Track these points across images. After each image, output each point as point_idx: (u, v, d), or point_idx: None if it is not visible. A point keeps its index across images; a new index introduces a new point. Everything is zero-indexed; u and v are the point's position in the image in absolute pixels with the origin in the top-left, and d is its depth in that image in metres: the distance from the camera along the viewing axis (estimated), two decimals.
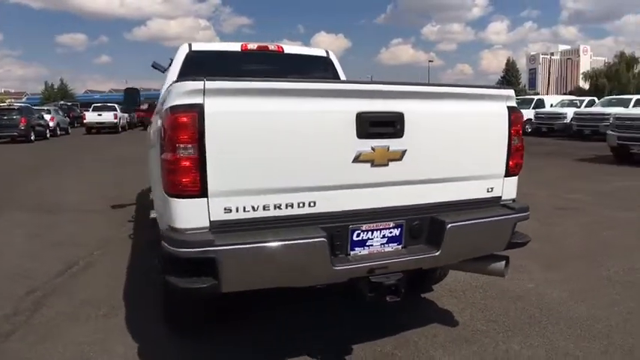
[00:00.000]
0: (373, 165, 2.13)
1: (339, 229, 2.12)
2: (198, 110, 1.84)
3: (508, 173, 2.52)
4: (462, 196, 2.42)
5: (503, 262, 2.58)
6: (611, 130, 10.75)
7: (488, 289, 3.45)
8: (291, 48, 4.24)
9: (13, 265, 4.06)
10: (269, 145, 1.96)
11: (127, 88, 5.46)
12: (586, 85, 49.72)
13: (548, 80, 69.38)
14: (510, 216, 2.43)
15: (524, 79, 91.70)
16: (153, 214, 3.90)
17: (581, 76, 60.79)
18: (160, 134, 2.04)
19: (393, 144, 2.15)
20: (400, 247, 2.29)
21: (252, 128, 1.93)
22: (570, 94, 39.29)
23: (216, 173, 1.89)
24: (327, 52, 4.37)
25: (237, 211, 1.95)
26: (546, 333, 2.79)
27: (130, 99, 5.32)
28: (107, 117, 26.09)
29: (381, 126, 2.12)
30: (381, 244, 2.25)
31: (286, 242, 1.93)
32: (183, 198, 1.89)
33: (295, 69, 4.31)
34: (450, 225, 2.23)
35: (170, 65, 4.21)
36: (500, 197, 2.54)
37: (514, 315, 3.04)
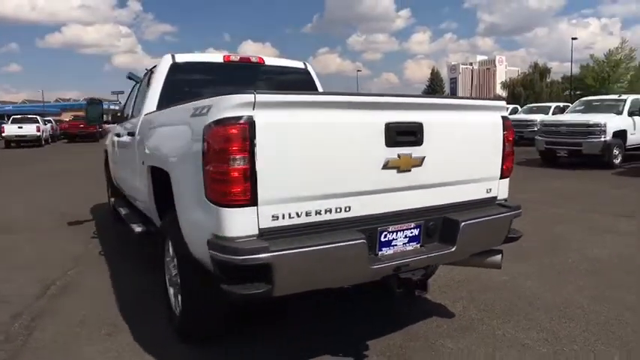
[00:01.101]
0: (399, 171, 2.32)
1: (371, 232, 2.28)
2: (249, 122, 1.93)
3: (502, 175, 2.82)
4: (467, 197, 2.67)
5: (500, 256, 2.87)
6: (539, 136, 11.82)
7: (470, 284, 3.75)
8: (271, 60, 4.34)
9: None
10: (311, 155, 2.09)
11: (90, 100, 5.29)
12: (504, 93, 53.80)
13: (471, 88, 74.02)
14: (509, 213, 2.73)
15: (447, 87, 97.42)
16: (138, 228, 3.85)
17: (499, 84, 65.72)
18: (203, 146, 2.05)
19: (415, 151, 2.36)
20: (419, 245, 2.49)
21: (296, 139, 2.05)
22: None
23: (264, 183, 1.98)
24: (304, 64, 4.52)
25: (282, 218, 2.05)
26: (532, 317, 3.12)
27: (94, 111, 5.16)
28: (29, 130, 24.29)
29: (405, 135, 2.32)
30: (403, 243, 2.44)
31: (332, 245, 2.05)
32: (234, 207, 1.96)
33: (277, 80, 4.43)
34: (463, 223, 2.47)
35: (148, 76, 4.15)
36: (496, 197, 2.83)
37: (500, 304, 3.35)
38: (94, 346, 2.82)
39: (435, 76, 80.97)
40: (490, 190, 2.78)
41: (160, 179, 3.07)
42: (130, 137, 3.89)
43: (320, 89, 4.55)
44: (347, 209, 2.22)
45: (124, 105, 5.49)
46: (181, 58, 3.90)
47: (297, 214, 2.08)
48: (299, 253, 1.98)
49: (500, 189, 2.84)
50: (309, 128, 2.08)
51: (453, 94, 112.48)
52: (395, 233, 2.40)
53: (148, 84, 3.99)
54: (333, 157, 2.15)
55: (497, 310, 3.26)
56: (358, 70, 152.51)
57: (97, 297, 3.61)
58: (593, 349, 2.69)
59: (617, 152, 10.55)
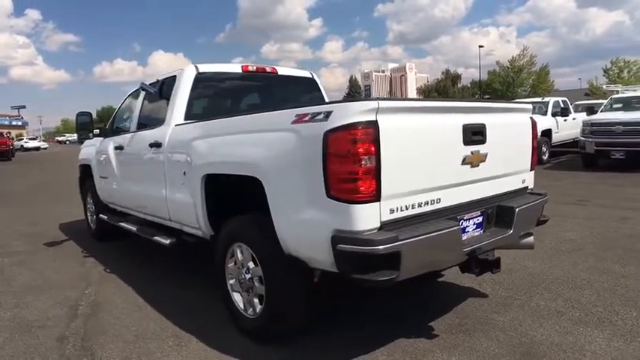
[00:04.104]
0: (472, 166, 2.66)
1: (454, 220, 2.59)
2: (374, 126, 2.15)
3: (531, 167, 3.27)
4: (510, 188, 3.08)
5: (532, 237, 3.31)
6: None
7: None
8: (282, 69, 4.51)
9: (7, 318, 3.52)
10: (415, 153, 2.35)
11: (80, 113, 5.08)
12: None
13: (391, 94, 77.61)
14: (542, 199, 3.18)
15: (362, 95, 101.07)
16: (166, 240, 3.84)
17: (414, 90, 69.73)
18: (323, 149, 2.21)
19: (482, 149, 2.71)
20: (482, 231, 2.84)
21: (405, 140, 2.30)
22: None
23: (386, 180, 2.20)
24: (311, 74, 4.74)
25: (397, 211, 2.29)
26: (551, 290, 3.61)
27: (84, 123, 4.98)
28: None
29: (475, 134, 2.66)
30: (473, 229, 2.77)
31: (441, 232, 2.34)
32: (362, 203, 2.16)
33: (289, 88, 4.60)
34: (518, 209, 2.87)
35: (163, 87, 4.12)
36: (528, 187, 3.27)
37: (520, 283, 3.81)
38: (173, 358, 2.82)
39: (353, 84, 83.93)
40: (524, 180, 3.22)
41: (216, 187, 3.16)
42: (154, 149, 3.84)
43: (324, 94, 4.80)
44: (438, 201, 2.50)
45: (113, 118, 5.30)
46: (204, 68, 3.94)
47: (406, 207, 2.33)
48: (419, 241, 2.22)
49: (530, 179, 3.29)
50: (414, 130, 2.34)
51: None
52: (468, 221, 2.73)
53: (167, 95, 3.97)
54: (429, 155, 2.43)
55: (520, 287, 3.70)
56: None
57: (133, 312, 3.54)
58: (614, 309, 3.21)
59: (545, 149, 11.92)
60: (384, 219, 2.23)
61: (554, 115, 12.07)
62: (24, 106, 77.38)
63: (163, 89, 4.10)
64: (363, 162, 2.14)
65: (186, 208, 3.47)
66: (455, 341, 2.85)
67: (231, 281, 3.09)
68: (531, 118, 3.23)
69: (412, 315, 3.28)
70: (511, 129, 3.04)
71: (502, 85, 41.77)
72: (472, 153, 2.64)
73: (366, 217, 2.18)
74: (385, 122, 2.18)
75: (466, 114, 2.63)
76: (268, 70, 4.37)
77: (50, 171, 19.04)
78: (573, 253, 4.55)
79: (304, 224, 2.38)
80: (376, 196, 2.18)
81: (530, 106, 3.27)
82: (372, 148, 2.15)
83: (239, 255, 2.96)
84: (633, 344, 2.73)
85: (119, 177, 4.76)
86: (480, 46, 46.64)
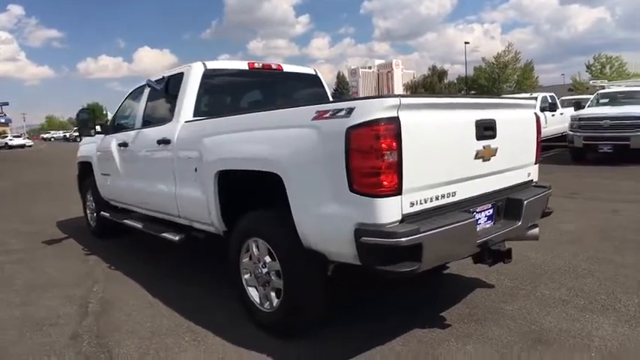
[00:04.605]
0: (484, 160, 2.74)
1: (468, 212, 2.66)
2: (396, 122, 2.20)
3: (535, 161, 3.36)
4: (517, 181, 3.17)
5: (537, 229, 3.41)
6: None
7: None
8: (287, 66, 4.54)
9: (15, 316, 3.51)
10: (433, 148, 2.42)
11: (82, 110, 5.07)
12: None
13: (378, 90, 77.78)
14: (547, 192, 3.28)
15: (350, 91, 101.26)
16: (176, 237, 3.87)
17: (402, 87, 70.12)
18: (346, 144, 2.26)
19: (492, 143, 2.78)
20: (492, 223, 2.93)
21: (424, 135, 2.36)
22: None
23: (407, 174, 2.26)
24: (315, 71, 4.78)
25: (416, 204, 2.35)
26: (555, 279, 3.72)
27: (86, 120, 4.97)
28: None
29: (487, 130, 2.73)
30: (484, 221, 2.85)
31: (458, 224, 2.41)
32: (385, 197, 2.22)
33: (294, 85, 4.64)
34: (526, 201, 2.96)
35: (170, 83, 4.13)
36: (532, 180, 3.37)
37: (523, 274, 3.91)
38: (192, 352, 2.85)
39: (340, 80, 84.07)
40: (530, 174, 3.31)
41: (230, 183, 3.19)
42: (162, 145, 3.85)
43: (327, 90, 4.85)
44: (453, 194, 2.58)
45: (115, 115, 5.28)
46: (211, 65, 3.96)
47: (425, 200, 2.40)
48: (439, 233, 2.29)
49: (534, 173, 3.38)
50: (432, 126, 2.41)
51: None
52: (480, 213, 2.80)
53: (174, 91, 3.97)
54: (446, 150, 2.50)
55: (525, 278, 3.81)
56: None
57: (144, 309, 3.56)
58: (616, 297, 3.33)
59: None
60: (405, 212, 2.29)
61: (542, 110, 12.27)
62: (7, 103, 75.40)
63: (170, 86, 4.11)
64: (385, 157, 2.19)
65: (197, 204, 3.50)
66: (467, 330, 2.94)
67: (246, 276, 3.12)
68: (535, 113, 3.32)
69: (423, 306, 3.35)
70: (518, 124, 3.13)
71: (488, 81, 42.31)
72: (484, 147, 2.71)
73: (389, 210, 2.23)
74: (406, 118, 2.24)
75: (478, 110, 2.70)
76: (274, 67, 4.40)
77: (38, 169, 18.77)
78: (572, 244, 4.67)
79: (326, 218, 2.43)
80: (398, 190, 2.24)
81: (534, 102, 3.36)
82: (394, 144, 2.20)
83: (254, 250, 3.00)
84: (638, 329, 2.84)
85: (123, 174, 4.75)
86: (466, 43, 47.22)
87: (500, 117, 2.86)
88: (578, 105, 11.94)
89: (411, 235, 2.19)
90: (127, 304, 3.68)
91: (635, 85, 12.95)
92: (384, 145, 2.19)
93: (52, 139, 71.70)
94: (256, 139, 2.85)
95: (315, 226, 2.52)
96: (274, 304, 2.91)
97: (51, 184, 12.09)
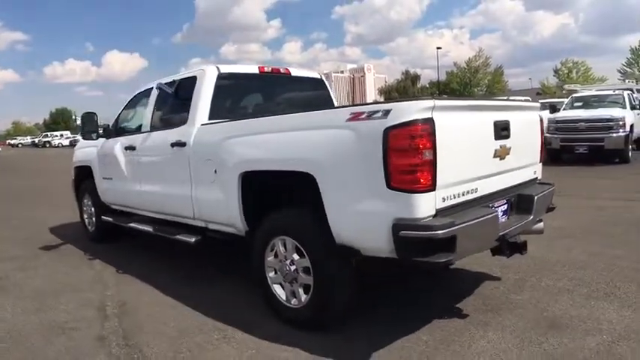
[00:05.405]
0: (500, 159, 2.93)
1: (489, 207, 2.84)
2: (431, 122, 2.36)
3: (540, 160, 3.59)
4: (525, 178, 3.39)
5: (542, 223, 3.63)
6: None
7: (487, 254, 4.51)
8: (294, 70, 4.66)
9: (35, 322, 3.48)
10: (460, 147, 2.59)
11: (86, 113, 5.06)
12: (381, 99, 58.47)
13: (353, 95, 78.56)
14: (552, 188, 3.51)
15: None
16: (192, 238, 3.93)
17: (375, 91, 71.00)
18: (384, 144, 2.40)
19: (507, 143, 2.98)
20: (507, 218, 3.12)
21: (454, 134, 2.53)
22: None
23: (440, 171, 2.42)
24: (320, 75, 4.93)
25: (447, 199, 2.52)
26: (556, 271, 3.95)
27: (90, 123, 4.97)
28: None
29: (503, 130, 2.93)
30: (500, 216, 3.04)
31: (485, 217, 2.58)
32: (422, 193, 2.37)
33: (301, 88, 4.76)
34: (536, 196, 3.17)
35: (180, 87, 4.19)
36: (537, 177, 3.59)
37: (525, 267, 4.12)
38: (225, 349, 2.92)
39: None
40: (535, 172, 3.54)
41: (253, 185, 3.28)
42: (176, 148, 3.90)
43: (332, 94, 4.99)
44: (475, 190, 2.75)
45: (117, 119, 5.26)
46: (224, 69, 4.04)
47: (454, 195, 2.56)
48: (470, 225, 2.46)
49: (539, 171, 3.61)
50: (460, 126, 2.59)
51: None
52: (497, 208, 2.99)
53: (187, 95, 4.03)
54: (470, 149, 2.68)
55: (527, 270, 4.03)
56: None
57: (165, 309, 3.59)
58: (615, 285, 3.58)
59: None
60: (438, 207, 2.45)
61: None
62: None
63: (181, 89, 4.16)
64: (422, 155, 2.35)
65: (216, 206, 3.57)
66: (485, 319, 3.12)
67: (271, 274, 3.21)
68: (539, 114, 3.55)
69: (437, 299, 3.52)
70: (526, 125, 3.34)
71: (460, 85, 43.43)
72: (501, 147, 2.91)
73: (425, 205, 2.38)
74: (439, 119, 2.40)
75: (495, 111, 2.90)
76: (282, 71, 4.52)
77: (12, 175, 18.18)
78: (565, 239, 4.94)
79: (363, 215, 2.55)
80: (433, 186, 2.40)
81: (538, 104, 3.59)
82: (430, 143, 2.36)
83: (281, 248, 3.10)
84: None
85: (130, 177, 4.75)
86: (438, 48, 48.43)
87: (513, 118, 3.06)
88: (554, 108, 12.48)
89: (447, 228, 2.34)
90: (146, 305, 3.71)
91: (605, 89, 13.61)
92: (420, 144, 2.34)
93: (20, 145, 69.30)
94: (285, 140, 2.96)
95: (350, 222, 2.64)
96: (302, 300, 3.02)
97: (30, 188, 11.79)
